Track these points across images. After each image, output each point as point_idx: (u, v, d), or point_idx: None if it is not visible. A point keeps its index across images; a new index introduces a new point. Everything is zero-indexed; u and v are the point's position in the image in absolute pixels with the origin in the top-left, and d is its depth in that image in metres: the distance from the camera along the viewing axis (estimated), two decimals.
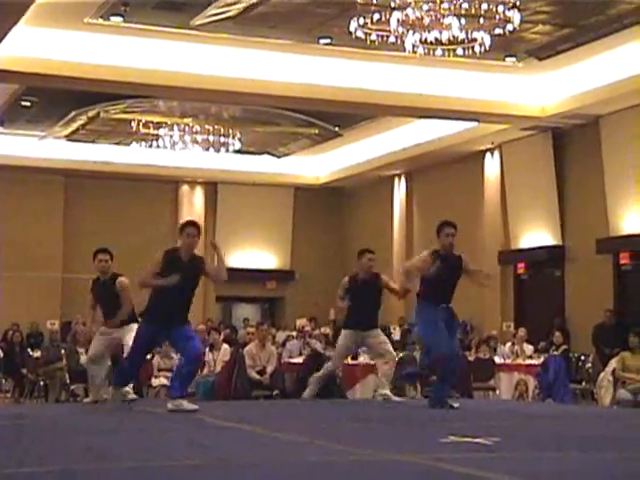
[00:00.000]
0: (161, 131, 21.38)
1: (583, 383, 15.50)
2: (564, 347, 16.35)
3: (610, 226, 18.45)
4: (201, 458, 5.68)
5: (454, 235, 9.83)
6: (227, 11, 15.39)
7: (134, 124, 21.29)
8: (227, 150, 22.03)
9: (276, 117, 21.41)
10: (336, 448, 6.28)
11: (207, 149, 21.80)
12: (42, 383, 15.21)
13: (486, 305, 20.62)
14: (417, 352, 14.23)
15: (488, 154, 21.75)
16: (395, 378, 11.84)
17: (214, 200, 26.51)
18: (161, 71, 16.45)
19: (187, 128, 21.27)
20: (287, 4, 15.14)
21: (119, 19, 15.57)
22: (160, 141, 21.62)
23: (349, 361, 14.73)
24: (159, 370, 14.82)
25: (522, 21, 14.03)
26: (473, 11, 13.38)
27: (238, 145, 22.03)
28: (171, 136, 21.50)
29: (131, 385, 10.17)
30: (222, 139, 21.61)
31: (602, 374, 13.74)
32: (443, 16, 13.41)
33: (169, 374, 14.73)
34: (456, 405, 9.68)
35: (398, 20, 13.50)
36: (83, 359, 14.20)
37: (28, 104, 20.27)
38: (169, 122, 21.29)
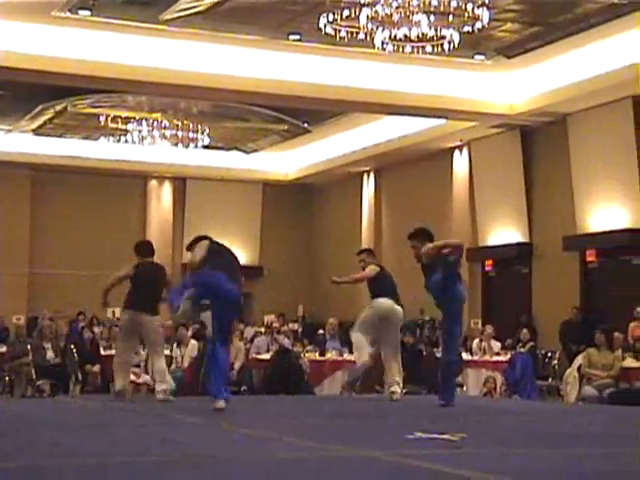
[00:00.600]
0: (129, 126, 21.28)
1: (549, 379, 15.60)
2: (531, 344, 16.45)
3: (577, 224, 18.57)
4: (168, 454, 5.66)
5: (414, 246, 10.15)
6: (196, 6, 15.33)
7: (102, 119, 21.19)
8: (196, 145, 21.96)
9: (245, 113, 21.37)
10: (304, 444, 6.29)
11: (176, 144, 21.73)
12: (7, 379, 15.10)
13: None
14: None
15: (457, 151, 21.82)
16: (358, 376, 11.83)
17: (182, 196, 26.43)
18: (129, 66, 16.36)
19: (156, 123, 21.18)
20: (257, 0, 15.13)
21: (87, 13, 15.46)
22: (128, 136, 21.52)
23: (317, 357, 14.75)
24: None
25: (491, 19, 14.09)
26: (442, 8, 13.42)
27: (207, 141, 21.98)
28: (139, 131, 21.40)
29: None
30: (191, 134, 21.55)
31: (568, 371, 13.83)
32: (412, 13, 13.44)
33: (136, 370, 14.70)
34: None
35: (367, 17, 13.52)
36: (50, 354, 14.14)
37: None
38: (137, 117, 21.19)
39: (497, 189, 20.56)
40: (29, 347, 14.73)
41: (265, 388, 13.84)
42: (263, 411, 8.81)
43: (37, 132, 23.07)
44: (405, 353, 11.54)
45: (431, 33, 13.79)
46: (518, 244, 20.07)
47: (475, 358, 16.12)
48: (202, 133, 21.61)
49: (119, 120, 21.19)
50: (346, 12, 13.70)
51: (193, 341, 14.59)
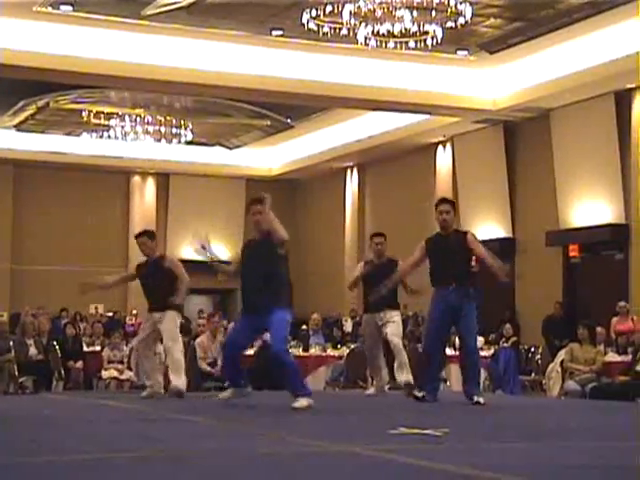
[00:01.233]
0: (112, 122, 21.24)
1: (532, 374, 15.64)
2: (514, 339, 16.50)
3: (560, 219, 18.62)
4: (148, 450, 5.64)
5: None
6: (178, 1, 15.31)
7: (85, 114, 21.13)
8: (179, 141, 21.94)
9: (228, 108, 21.35)
10: (285, 439, 6.28)
11: (159, 140, 21.69)
12: None
13: None
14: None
15: (440, 147, 21.85)
16: (347, 369, 11.84)
17: (166, 191, 26.39)
18: (112, 61, 16.32)
19: (138, 119, 21.16)
20: None
21: (69, 8, 15.43)
22: (111, 132, 21.47)
23: (300, 353, 14.73)
24: (109, 362, 14.73)
25: (473, 14, 14.12)
26: (425, 4, 13.46)
27: (190, 136, 21.95)
28: (122, 127, 21.37)
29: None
30: (174, 130, 21.53)
31: (551, 365, 13.85)
32: (395, 8, 13.46)
33: (120, 366, 14.68)
34: (476, 400, 9.09)
35: (350, 12, 13.53)
36: (32, 351, 14.08)
37: None
38: (120, 113, 21.14)
39: (480, 184, 20.60)
40: (11, 344, 14.66)
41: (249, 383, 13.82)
42: (246, 406, 8.79)
43: (19, 128, 22.99)
44: (389, 348, 11.52)
45: (414, 29, 13.82)
46: (501, 239, 20.10)
47: (458, 353, 16.12)
48: (185, 129, 21.58)
49: (102, 116, 21.14)
50: (329, 8, 13.71)
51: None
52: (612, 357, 13.62)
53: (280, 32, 16.61)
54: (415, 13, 13.72)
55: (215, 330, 14.19)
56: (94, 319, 20.13)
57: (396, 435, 6.35)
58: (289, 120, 22.53)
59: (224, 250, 26.85)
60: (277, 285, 8.46)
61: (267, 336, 16.07)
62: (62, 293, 22.16)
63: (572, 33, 16.26)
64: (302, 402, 8.25)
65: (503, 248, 20.12)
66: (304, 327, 17.10)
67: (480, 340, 16.68)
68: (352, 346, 14.88)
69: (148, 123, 21.22)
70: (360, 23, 13.85)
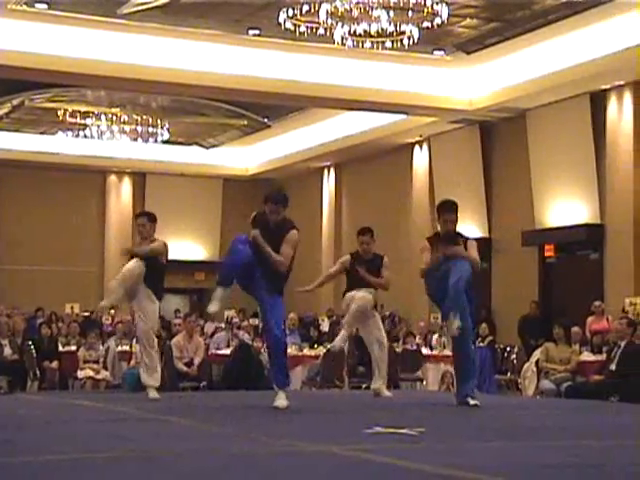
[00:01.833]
0: (88, 121, 21.17)
1: (508, 374, 15.70)
2: (490, 338, 16.55)
3: (535, 218, 18.69)
4: (123, 450, 5.62)
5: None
6: (154, 0, 15.26)
7: (60, 113, 21.03)
8: (155, 140, 21.88)
9: (205, 108, 21.31)
10: (261, 439, 6.27)
11: (135, 139, 21.63)
12: None
13: (414, 296, 20.75)
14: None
15: (417, 147, 21.89)
16: (324, 369, 11.79)
17: (142, 191, 26.33)
18: (88, 60, 16.24)
19: (115, 118, 21.09)
20: None
21: (44, 6, 15.36)
22: (87, 131, 21.39)
23: None
24: (85, 362, 14.68)
25: (450, 15, 14.16)
26: (402, 4, 13.48)
27: (166, 136, 21.90)
28: (99, 126, 21.29)
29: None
30: (150, 129, 21.47)
31: (526, 365, 13.91)
32: (372, 9, 13.48)
33: (95, 366, 14.63)
34: (472, 403, 8.68)
35: (327, 12, 13.55)
36: (7, 351, 14.00)
37: None
38: (97, 112, 21.06)
39: (456, 184, 20.63)
40: None
41: (225, 383, 13.81)
42: (221, 407, 8.77)
43: None
44: (365, 348, 11.52)
45: (391, 29, 13.85)
46: (477, 239, 20.08)
47: (435, 353, 16.19)
48: (162, 128, 21.53)
49: (78, 115, 21.06)
50: (306, 7, 13.72)
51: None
52: (587, 356, 13.69)
53: (257, 31, 16.59)
54: (392, 13, 13.75)
55: (191, 330, 14.17)
56: (70, 319, 20.03)
57: (372, 435, 6.36)
58: (266, 120, 22.51)
59: (201, 250, 26.88)
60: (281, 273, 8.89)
61: (244, 335, 16.13)
62: (37, 292, 22.05)
63: (548, 34, 16.33)
64: (282, 402, 8.28)
65: (479, 248, 20.18)
66: None
67: None
68: (328, 346, 14.87)
69: (124, 122, 21.15)
70: (337, 23, 13.86)
